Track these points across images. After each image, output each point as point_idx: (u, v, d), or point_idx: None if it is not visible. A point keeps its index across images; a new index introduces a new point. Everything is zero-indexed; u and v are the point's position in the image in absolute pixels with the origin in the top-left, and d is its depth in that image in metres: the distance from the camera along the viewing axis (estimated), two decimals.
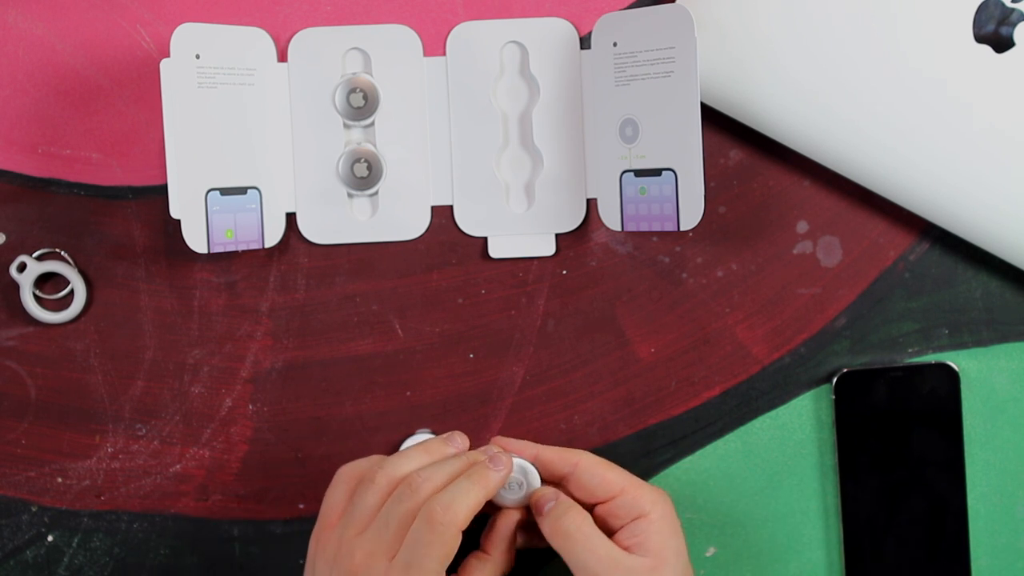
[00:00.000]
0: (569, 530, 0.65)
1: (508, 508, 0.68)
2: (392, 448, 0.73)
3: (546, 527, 0.66)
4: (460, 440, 0.67)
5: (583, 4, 0.72)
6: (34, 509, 0.73)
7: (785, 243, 0.73)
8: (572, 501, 0.66)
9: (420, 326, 0.73)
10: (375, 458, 0.67)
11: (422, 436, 0.72)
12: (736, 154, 0.73)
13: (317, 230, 0.72)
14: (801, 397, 0.73)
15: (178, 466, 0.73)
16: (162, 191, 0.72)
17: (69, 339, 0.73)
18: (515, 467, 0.67)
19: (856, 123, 0.67)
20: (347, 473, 0.67)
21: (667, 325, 0.73)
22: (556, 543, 0.65)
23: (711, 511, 0.74)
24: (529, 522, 0.68)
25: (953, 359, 0.73)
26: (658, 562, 0.65)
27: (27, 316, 0.72)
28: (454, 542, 0.62)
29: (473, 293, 0.73)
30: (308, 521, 0.73)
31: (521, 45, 0.72)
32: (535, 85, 0.72)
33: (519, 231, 0.73)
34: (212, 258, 0.73)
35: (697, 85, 0.65)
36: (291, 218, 0.72)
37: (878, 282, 0.73)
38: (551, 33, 0.72)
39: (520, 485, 0.68)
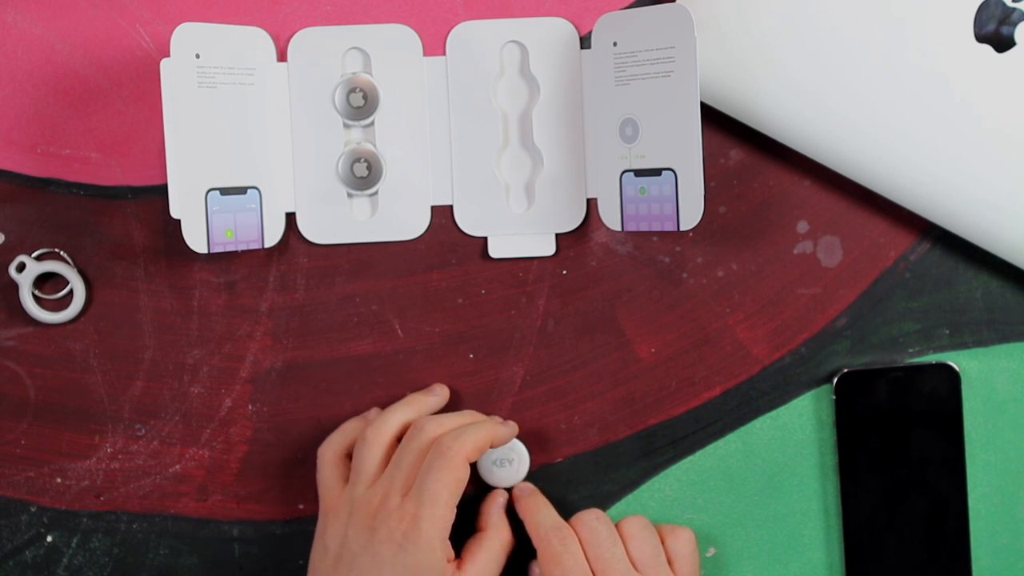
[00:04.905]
0: None
1: (499, 487, 0.72)
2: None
3: None
4: (440, 390, 0.72)
5: (583, 4, 0.72)
6: (33, 509, 0.73)
7: (785, 243, 0.73)
8: None
9: (420, 326, 0.73)
10: (349, 425, 0.71)
11: None
12: (736, 154, 0.73)
13: (317, 230, 0.72)
14: (801, 397, 0.73)
15: (177, 466, 0.73)
16: (162, 191, 0.72)
17: (68, 339, 0.73)
18: (506, 445, 0.72)
19: (856, 123, 0.67)
20: (330, 452, 0.70)
21: (667, 325, 0.73)
22: None
23: (711, 511, 0.74)
24: None
25: (954, 359, 0.73)
26: None
27: (26, 316, 0.72)
28: (463, 470, 0.66)
29: (473, 293, 0.73)
30: (308, 521, 0.73)
31: (521, 45, 0.72)
32: (535, 85, 0.72)
33: (519, 231, 0.73)
34: (212, 258, 0.73)
35: (697, 85, 0.65)
36: (291, 218, 0.72)
37: (879, 282, 0.73)
38: (551, 33, 0.71)
39: (510, 462, 0.72)
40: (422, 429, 0.68)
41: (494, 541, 0.69)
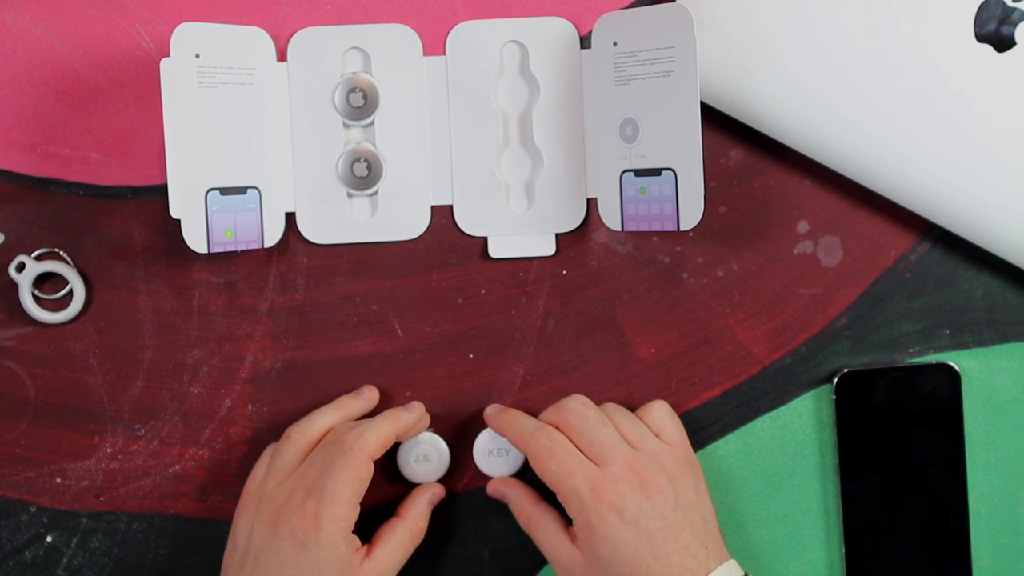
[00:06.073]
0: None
1: (495, 476, 0.72)
2: (391, 448, 0.73)
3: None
4: (368, 393, 0.72)
5: (583, 4, 0.72)
6: (33, 509, 0.73)
7: (786, 243, 0.73)
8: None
9: (420, 326, 0.73)
10: (322, 413, 0.71)
11: (422, 435, 0.72)
12: (736, 154, 0.72)
13: (317, 230, 0.72)
14: (802, 397, 0.73)
15: (177, 466, 0.73)
16: (161, 191, 0.72)
17: (68, 339, 0.73)
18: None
19: (857, 123, 0.67)
20: (271, 444, 0.71)
21: (667, 325, 0.73)
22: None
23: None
24: None
25: (954, 359, 0.73)
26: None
27: (26, 316, 0.72)
28: (365, 469, 0.66)
29: (473, 293, 0.73)
30: None
31: (521, 45, 0.72)
32: (535, 85, 0.72)
33: (519, 231, 0.73)
34: (211, 258, 0.72)
35: (697, 85, 0.65)
36: (291, 218, 0.72)
37: (879, 282, 0.73)
38: (551, 33, 0.71)
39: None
40: (339, 435, 0.67)
41: (405, 531, 0.69)
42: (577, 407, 0.69)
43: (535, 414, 0.71)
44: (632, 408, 0.71)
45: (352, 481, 0.65)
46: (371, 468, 0.67)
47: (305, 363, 0.73)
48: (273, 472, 0.68)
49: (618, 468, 0.66)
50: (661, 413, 0.71)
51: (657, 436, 0.69)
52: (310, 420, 0.70)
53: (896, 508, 0.72)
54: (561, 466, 0.66)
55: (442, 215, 0.73)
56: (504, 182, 0.73)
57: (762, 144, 0.72)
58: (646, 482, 0.66)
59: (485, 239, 0.73)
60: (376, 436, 0.67)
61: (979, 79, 0.66)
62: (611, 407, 0.71)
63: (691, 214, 0.67)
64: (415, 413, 0.71)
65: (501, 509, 0.73)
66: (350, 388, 0.73)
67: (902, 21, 0.66)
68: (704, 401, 0.73)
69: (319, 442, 0.69)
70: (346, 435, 0.67)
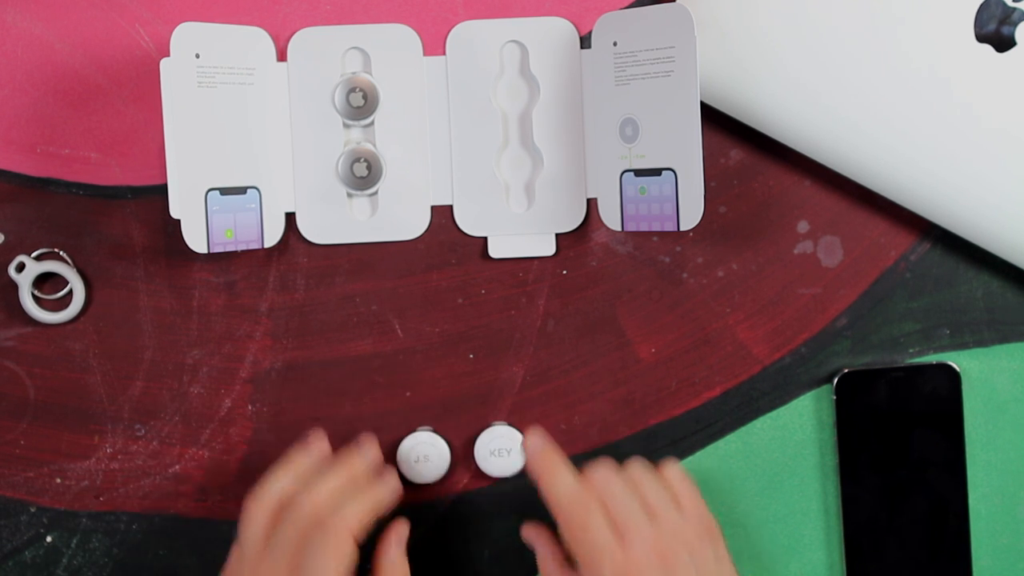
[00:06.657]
0: None
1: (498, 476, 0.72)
2: (391, 448, 0.73)
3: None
4: (319, 443, 0.69)
5: (583, 4, 0.72)
6: (33, 510, 0.73)
7: (786, 243, 0.73)
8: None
9: (420, 326, 0.73)
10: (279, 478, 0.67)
11: (422, 435, 0.72)
12: (736, 154, 0.72)
13: (317, 230, 0.72)
14: (802, 397, 0.73)
15: (177, 467, 0.73)
16: (161, 191, 0.72)
17: (68, 339, 0.73)
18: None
19: (857, 123, 0.67)
20: (255, 508, 0.67)
21: (667, 325, 0.73)
22: None
23: (711, 511, 0.73)
24: None
25: (954, 359, 0.73)
26: None
27: (26, 316, 0.72)
28: (348, 547, 0.63)
29: (473, 293, 0.73)
30: None
31: (521, 45, 0.72)
32: (535, 85, 0.72)
33: (519, 231, 0.73)
34: (211, 258, 0.73)
35: (697, 85, 0.65)
36: (291, 218, 0.72)
37: (879, 282, 0.73)
38: (551, 33, 0.71)
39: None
40: (300, 505, 0.64)
41: None
42: (604, 477, 0.67)
43: (536, 415, 0.71)
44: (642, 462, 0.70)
45: (336, 564, 0.62)
46: (353, 545, 0.63)
47: (305, 363, 0.73)
48: (245, 554, 0.65)
49: (642, 552, 0.64)
50: (674, 475, 0.69)
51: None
52: (267, 491, 0.66)
53: (896, 508, 0.72)
54: (593, 546, 0.64)
55: (442, 215, 0.73)
56: (504, 182, 0.73)
57: (762, 144, 0.72)
58: (669, 564, 0.64)
59: (485, 239, 0.73)
60: (357, 513, 0.64)
61: (979, 79, 0.66)
62: (639, 468, 0.68)
63: (691, 214, 0.67)
64: (390, 487, 0.67)
65: (501, 509, 0.73)
66: (350, 388, 0.73)
67: (902, 21, 0.66)
68: (704, 401, 0.73)
69: (281, 510, 0.65)
70: (325, 516, 0.64)
